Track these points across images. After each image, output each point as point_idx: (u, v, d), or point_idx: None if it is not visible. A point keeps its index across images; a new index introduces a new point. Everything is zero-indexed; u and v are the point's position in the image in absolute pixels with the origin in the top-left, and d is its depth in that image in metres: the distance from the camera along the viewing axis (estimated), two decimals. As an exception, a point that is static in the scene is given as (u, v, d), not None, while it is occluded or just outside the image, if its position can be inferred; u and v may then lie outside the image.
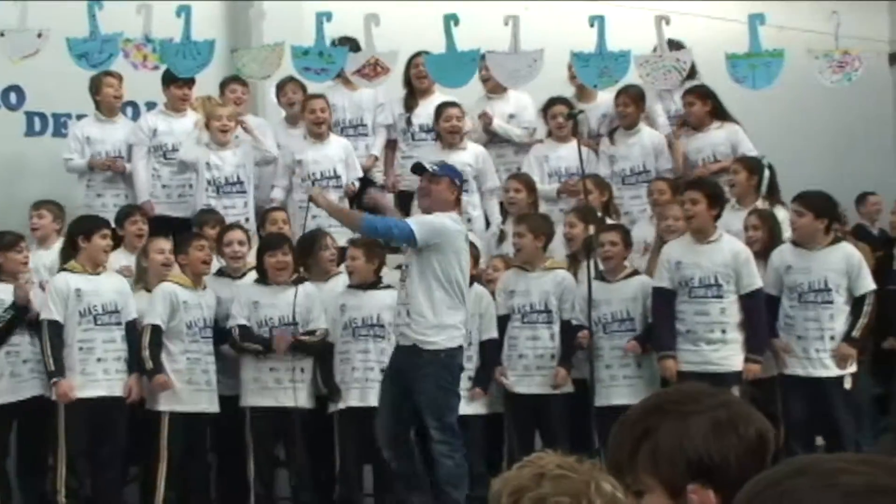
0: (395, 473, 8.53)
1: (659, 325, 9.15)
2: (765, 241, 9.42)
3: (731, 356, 9.04)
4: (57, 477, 8.83)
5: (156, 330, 9.00)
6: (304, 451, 9.24)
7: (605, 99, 11.01)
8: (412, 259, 8.31)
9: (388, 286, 9.13)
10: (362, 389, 9.12)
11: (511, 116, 11.09)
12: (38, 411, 8.94)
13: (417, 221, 8.36)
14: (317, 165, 10.47)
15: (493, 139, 11.06)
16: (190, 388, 9.01)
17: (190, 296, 9.10)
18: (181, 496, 9.06)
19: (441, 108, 10.59)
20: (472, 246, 9.02)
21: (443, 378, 8.29)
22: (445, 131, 10.53)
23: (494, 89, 11.00)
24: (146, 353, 8.96)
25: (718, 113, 10.62)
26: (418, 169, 8.54)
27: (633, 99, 10.72)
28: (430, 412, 8.29)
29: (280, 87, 10.96)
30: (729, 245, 9.17)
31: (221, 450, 9.49)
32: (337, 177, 10.47)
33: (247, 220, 10.18)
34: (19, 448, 9.22)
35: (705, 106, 10.58)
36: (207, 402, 9.08)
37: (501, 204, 10.58)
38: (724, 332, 9.03)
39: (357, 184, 10.61)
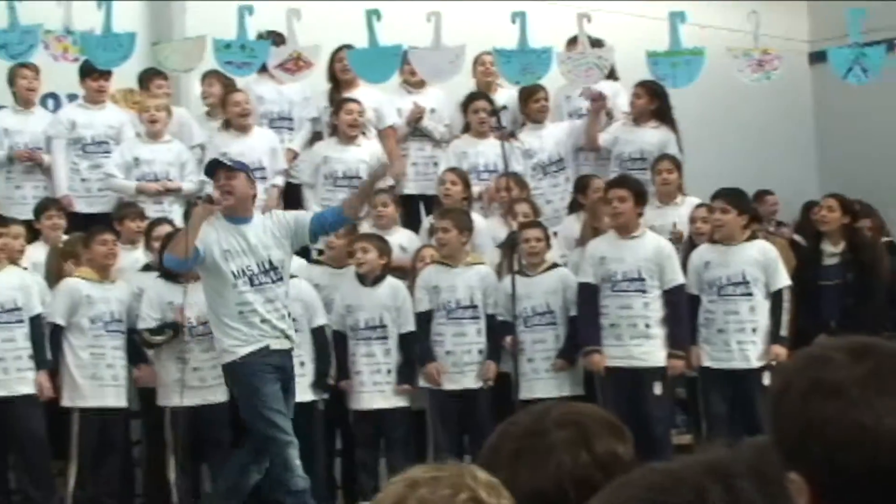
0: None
1: (584, 320, 9.22)
2: (709, 234, 9.56)
3: (654, 351, 9.13)
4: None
5: (54, 327, 8.96)
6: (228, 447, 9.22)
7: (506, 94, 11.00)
8: (286, 258, 8.42)
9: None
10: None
11: (431, 111, 11.07)
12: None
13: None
14: (242, 158, 10.36)
15: (413, 133, 11.02)
16: (94, 384, 8.93)
17: (95, 290, 9.00)
18: (96, 492, 8.99)
19: (341, 103, 10.55)
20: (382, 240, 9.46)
21: None
22: (345, 125, 10.47)
23: (414, 84, 10.98)
24: (48, 350, 8.91)
25: (661, 114, 10.64)
26: (213, 167, 8.47)
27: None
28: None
29: (203, 80, 10.90)
30: (652, 241, 9.31)
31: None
32: (262, 168, 10.38)
33: None
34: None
35: (650, 103, 10.58)
36: (114, 398, 8.99)
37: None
38: (647, 326, 9.13)
39: (282, 181, 10.63)
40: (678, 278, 9.23)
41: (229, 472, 8.53)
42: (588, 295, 9.23)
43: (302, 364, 9.09)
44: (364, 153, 10.51)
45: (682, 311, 9.23)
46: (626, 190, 9.27)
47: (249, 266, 8.19)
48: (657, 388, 9.05)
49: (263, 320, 8.20)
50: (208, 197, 8.22)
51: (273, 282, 8.27)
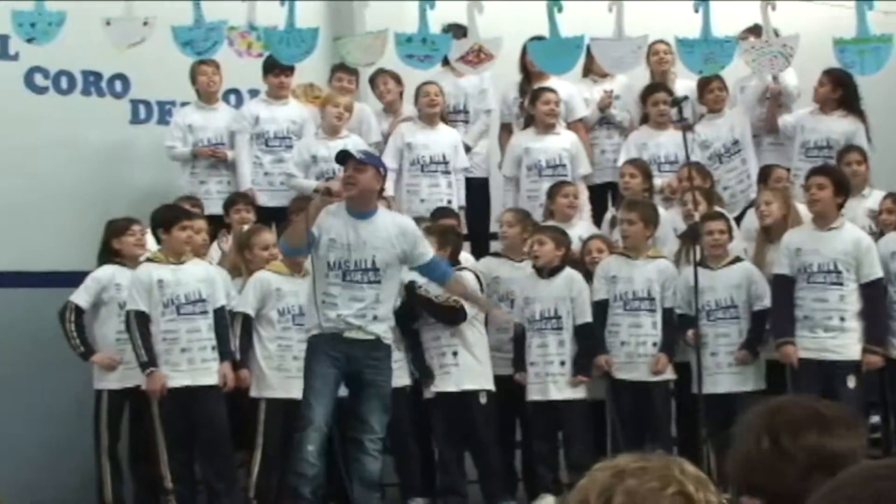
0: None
1: (778, 312, 9.09)
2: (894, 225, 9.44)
3: (849, 345, 8.96)
4: (160, 463, 8.93)
5: (245, 319, 9.12)
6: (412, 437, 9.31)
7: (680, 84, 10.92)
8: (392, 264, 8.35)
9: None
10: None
11: (616, 97, 11.03)
12: (145, 399, 9.02)
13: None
14: (426, 150, 10.47)
15: (600, 121, 11.02)
16: (280, 375, 9.07)
17: (285, 283, 9.13)
18: (279, 482, 9.06)
19: (538, 93, 10.56)
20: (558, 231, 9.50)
21: None
22: (543, 114, 10.49)
23: (600, 74, 10.98)
24: (236, 341, 9.06)
25: (847, 103, 10.49)
26: (343, 157, 8.37)
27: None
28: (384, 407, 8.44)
29: (373, 80, 10.97)
30: (851, 233, 9.14)
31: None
32: (445, 162, 10.46)
33: None
34: (130, 434, 9.36)
35: (833, 93, 10.46)
36: (299, 390, 8.97)
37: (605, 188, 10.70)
38: (842, 319, 8.95)
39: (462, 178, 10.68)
40: (876, 272, 9.02)
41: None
42: (782, 286, 9.08)
43: (455, 354, 9.20)
44: (565, 141, 10.56)
45: (879, 306, 9.04)
46: (826, 178, 9.11)
47: (347, 261, 8.19)
48: (851, 382, 8.87)
49: (339, 315, 8.20)
50: (326, 189, 8.24)
51: (368, 282, 8.25)
